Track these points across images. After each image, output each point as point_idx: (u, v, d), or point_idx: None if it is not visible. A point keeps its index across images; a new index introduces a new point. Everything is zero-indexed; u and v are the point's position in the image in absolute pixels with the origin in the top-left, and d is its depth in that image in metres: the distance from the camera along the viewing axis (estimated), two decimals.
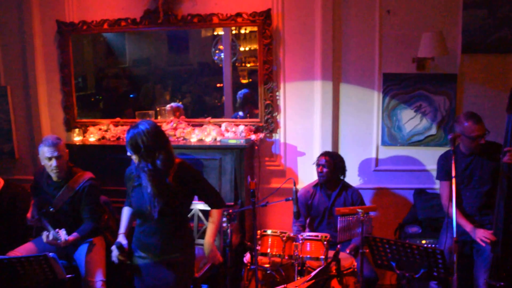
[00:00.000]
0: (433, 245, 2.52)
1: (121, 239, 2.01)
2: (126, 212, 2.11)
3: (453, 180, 2.11)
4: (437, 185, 2.68)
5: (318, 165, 2.67)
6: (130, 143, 1.89)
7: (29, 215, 2.38)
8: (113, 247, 1.97)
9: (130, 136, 1.89)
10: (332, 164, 2.65)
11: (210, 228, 2.10)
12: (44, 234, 2.17)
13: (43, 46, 3.27)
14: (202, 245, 2.59)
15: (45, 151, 2.29)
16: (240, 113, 3.23)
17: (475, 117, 2.30)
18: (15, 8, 3.24)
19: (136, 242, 2.02)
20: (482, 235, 2.26)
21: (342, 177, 2.73)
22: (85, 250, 2.36)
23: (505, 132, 2.21)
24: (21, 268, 1.96)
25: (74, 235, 2.25)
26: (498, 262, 2.20)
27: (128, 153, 1.93)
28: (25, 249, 2.36)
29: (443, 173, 2.44)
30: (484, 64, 2.84)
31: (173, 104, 3.28)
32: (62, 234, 2.16)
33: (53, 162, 2.29)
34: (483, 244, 2.25)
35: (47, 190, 2.39)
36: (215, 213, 2.10)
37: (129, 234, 2.08)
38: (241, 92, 3.26)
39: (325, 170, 2.63)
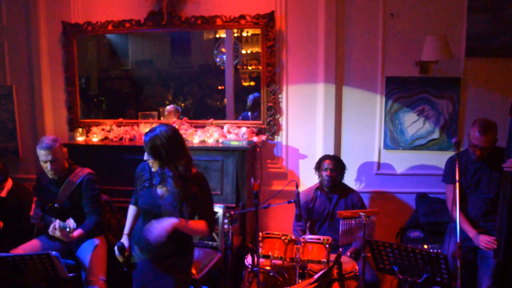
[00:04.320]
0: (436, 250, 2.50)
1: (124, 240, 2.00)
2: (131, 211, 2.08)
3: (457, 185, 2.09)
4: (439, 189, 2.67)
5: (325, 169, 2.65)
6: (150, 148, 1.82)
7: (32, 213, 2.39)
8: (115, 248, 1.97)
9: (149, 140, 1.81)
10: (338, 167, 2.65)
11: (195, 223, 1.88)
12: (51, 225, 2.14)
13: (48, 47, 3.30)
14: (202, 246, 2.60)
15: (40, 154, 2.30)
16: (249, 113, 3.23)
17: (485, 128, 2.24)
18: (22, 9, 3.27)
19: (136, 239, 1.98)
20: (484, 242, 2.24)
21: (342, 180, 2.72)
22: (87, 249, 2.36)
23: (508, 136, 2.20)
24: (24, 266, 1.96)
25: (79, 231, 2.23)
26: (501, 268, 2.18)
27: (146, 158, 1.87)
28: (28, 247, 2.36)
29: (450, 176, 2.41)
30: (487, 68, 2.84)
31: (174, 105, 3.29)
32: (71, 223, 2.12)
33: (48, 165, 2.30)
34: (486, 249, 2.23)
35: (49, 187, 2.40)
36: (203, 223, 1.90)
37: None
38: (252, 96, 3.26)
39: (333, 174, 2.62)
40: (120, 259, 1.95)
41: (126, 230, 2.04)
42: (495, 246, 2.19)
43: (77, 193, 2.34)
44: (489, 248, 2.21)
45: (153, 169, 1.89)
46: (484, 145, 2.26)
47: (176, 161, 1.83)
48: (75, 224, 2.14)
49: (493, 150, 2.31)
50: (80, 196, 2.34)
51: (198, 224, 1.91)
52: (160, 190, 1.91)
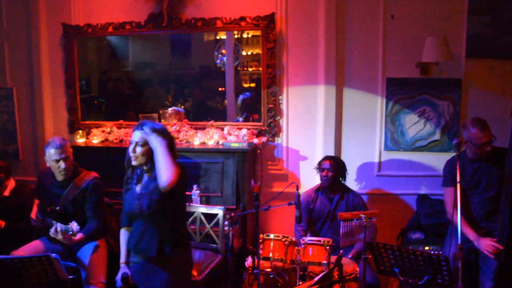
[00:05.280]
0: (437, 252, 2.49)
1: (124, 269, 1.97)
2: (123, 238, 2.02)
3: (458, 186, 2.09)
4: (440, 190, 2.66)
5: (322, 169, 2.67)
6: (161, 132, 1.82)
7: (33, 215, 2.38)
8: (118, 278, 1.94)
9: (161, 126, 1.85)
10: (336, 167, 2.65)
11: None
12: (53, 227, 2.13)
13: (49, 49, 3.30)
14: (203, 248, 2.60)
15: (52, 154, 2.30)
16: (240, 119, 3.23)
17: (482, 124, 2.27)
18: (22, 10, 3.28)
19: (133, 244, 1.98)
20: (486, 246, 2.23)
21: (343, 181, 2.72)
22: (87, 251, 2.36)
23: (510, 137, 2.20)
24: (24, 268, 1.96)
25: (80, 235, 2.23)
26: (503, 269, 2.17)
27: (132, 150, 1.85)
28: (29, 248, 2.36)
29: (449, 179, 2.39)
30: (488, 69, 2.84)
31: (174, 108, 3.29)
32: (74, 226, 2.12)
33: (62, 164, 2.30)
34: (490, 255, 2.22)
35: (52, 190, 2.39)
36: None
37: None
38: (242, 95, 3.26)
39: (330, 174, 2.63)
40: None
41: (122, 259, 2.00)
42: (499, 249, 2.17)
43: (81, 197, 2.34)
44: (493, 254, 2.20)
45: (134, 162, 1.88)
46: (490, 138, 2.28)
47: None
48: (78, 227, 2.14)
49: (491, 150, 2.31)
50: (84, 200, 2.34)
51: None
52: (138, 189, 1.92)
